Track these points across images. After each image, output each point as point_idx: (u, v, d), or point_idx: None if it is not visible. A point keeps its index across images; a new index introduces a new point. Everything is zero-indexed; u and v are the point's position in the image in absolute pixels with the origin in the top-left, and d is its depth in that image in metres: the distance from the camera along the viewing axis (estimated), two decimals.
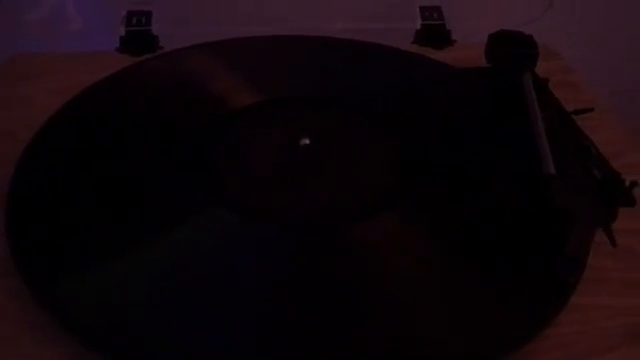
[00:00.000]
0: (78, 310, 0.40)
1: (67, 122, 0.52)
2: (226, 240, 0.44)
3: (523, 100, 0.53)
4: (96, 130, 0.52)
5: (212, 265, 0.43)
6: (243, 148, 0.51)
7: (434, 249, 0.45)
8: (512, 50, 0.56)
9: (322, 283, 0.43)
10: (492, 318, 0.41)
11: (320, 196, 0.48)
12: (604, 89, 0.62)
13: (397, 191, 0.48)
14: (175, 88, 0.56)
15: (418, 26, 0.66)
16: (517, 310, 0.42)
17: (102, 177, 0.48)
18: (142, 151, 0.50)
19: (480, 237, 0.46)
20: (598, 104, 0.57)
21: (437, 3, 0.67)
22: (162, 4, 0.64)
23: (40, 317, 0.40)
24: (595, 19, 0.77)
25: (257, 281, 0.42)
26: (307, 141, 0.50)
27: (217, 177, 0.48)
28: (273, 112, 0.54)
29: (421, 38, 0.66)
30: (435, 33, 0.66)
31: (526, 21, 0.64)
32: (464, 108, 0.56)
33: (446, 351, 0.40)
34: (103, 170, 0.48)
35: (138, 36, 0.63)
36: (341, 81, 0.58)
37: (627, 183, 0.47)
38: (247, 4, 0.67)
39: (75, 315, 0.40)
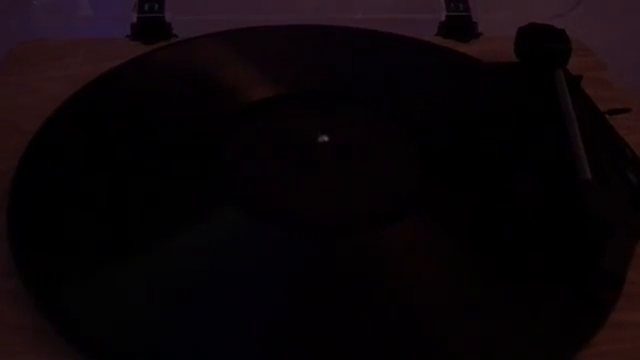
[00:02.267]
0: (81, 316, 0.38)
1: (73, 115, 0.50)
2: (238, 243, 0.42)
3: (555, 98, 0.51)
4: (103, 124, 0.50)
5: (224, 269, 0.41)
6: (257, 144, 0.49)
7: (459, 261, 0.42)
8: (544, 45, 0.54)
9: (338, 290, 0.40)
10: (523, 337, 0.39)
11: (339, 198, 0.46)
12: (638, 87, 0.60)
13: (420, 194, 0.45)
14: (186, 79, 0.54)
15: (443, 17, 0.64)
16: (551, 328, 0.39)
17: (108, 174, 0.46)
18: (151, 147, 0.48)
19: (509, 248, 0.43)
20: (633, 103, 0.55)
21: None
22: None
23: (40, 322, 0.38)
24: (629, 12, 0.74)
25: (271, 286, 0.40)
26: (326, 138, 0.48)
27: (228, 176, 0.46)
28: (289, 106, 0.52)
29: (446, 30, 0.63)
30: (460, 25, 0.63)
31: (556, 14, 0.63)
32: (491, 106, 0.54)
33: None
34: (110, 167, 0.46)
35: (150, 23, 0.61)
36: (360, 75, 0.56)
37: None
38: None
39: (78, 321, 0.38)
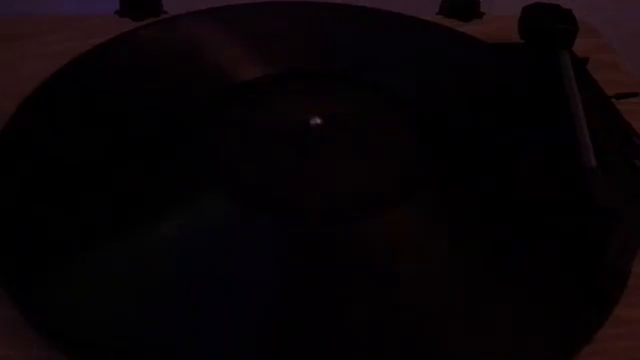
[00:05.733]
0: (54, 307, 0.37)
1: (53, 96, 0.49)
2: (225, 233, 0.40)
3: (560, 81, 0.49)
4: (85, 106, 0.48)
5: (212, 261, 0.39)
6: (247, 128, 0.47)
7: (457, 252, 0.41)
8: (549, 25, 0.52)
9: (331, 282, 0.39)
10: (524, 334, 0.37)
11: (332, 185, 0.44)
12: None
13: (415, 181, 0.44)
14: (175, 59, 0.52)
15: None
16: (553, 324, 0.38)
17: (85, 158, 0.44)
18: (135, 131, 0.46)
19: (509, 238, 0.41)
20: None
21: None
22: None
23: (11, 313, 0.37)
24: None
25: (265, 276, 0.39)
26: (318, 121, 0.46)
27: (215, 161, 0.44)
28: (280, 87, 0.50)
29: (447, 9, 0.62)
30: (463, 4, 0.62)
31: None
32: (492, 88, 0.52)
33: None
34: (87, 151, 0.45)
35: None
36: (357, 54, 0.54)
37: None
38: None
39: (50, 312, 0.37)
